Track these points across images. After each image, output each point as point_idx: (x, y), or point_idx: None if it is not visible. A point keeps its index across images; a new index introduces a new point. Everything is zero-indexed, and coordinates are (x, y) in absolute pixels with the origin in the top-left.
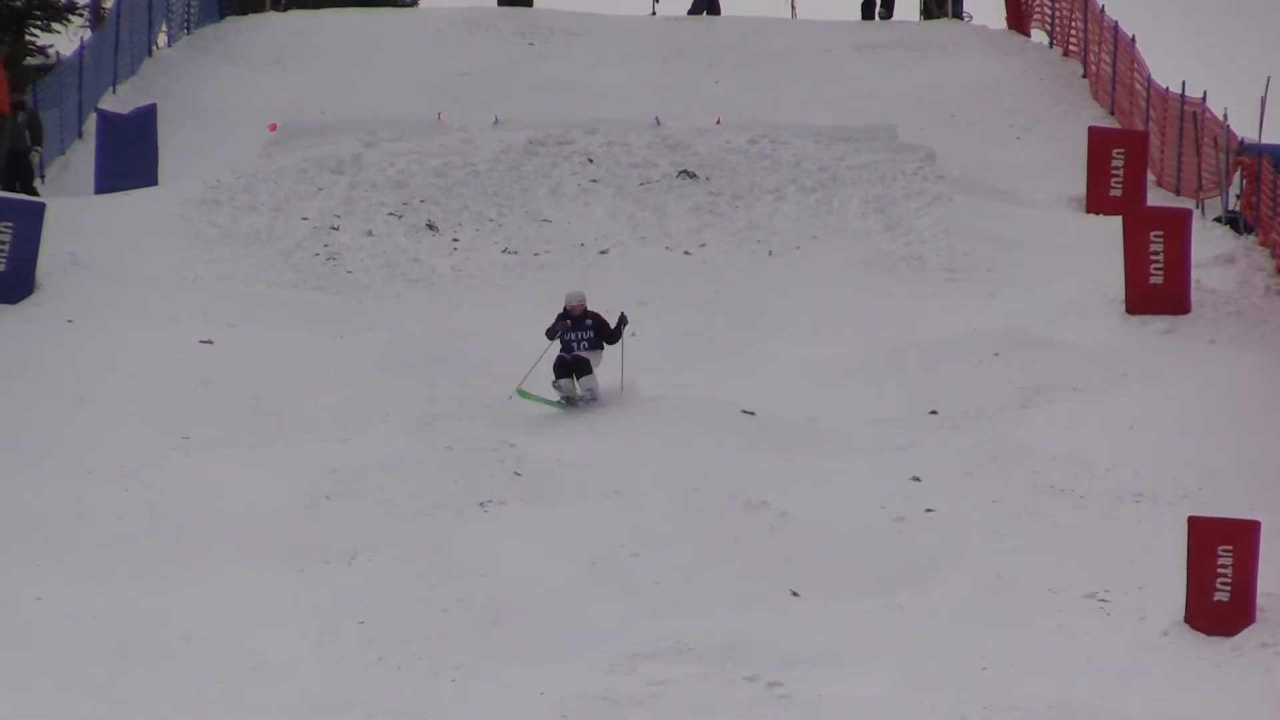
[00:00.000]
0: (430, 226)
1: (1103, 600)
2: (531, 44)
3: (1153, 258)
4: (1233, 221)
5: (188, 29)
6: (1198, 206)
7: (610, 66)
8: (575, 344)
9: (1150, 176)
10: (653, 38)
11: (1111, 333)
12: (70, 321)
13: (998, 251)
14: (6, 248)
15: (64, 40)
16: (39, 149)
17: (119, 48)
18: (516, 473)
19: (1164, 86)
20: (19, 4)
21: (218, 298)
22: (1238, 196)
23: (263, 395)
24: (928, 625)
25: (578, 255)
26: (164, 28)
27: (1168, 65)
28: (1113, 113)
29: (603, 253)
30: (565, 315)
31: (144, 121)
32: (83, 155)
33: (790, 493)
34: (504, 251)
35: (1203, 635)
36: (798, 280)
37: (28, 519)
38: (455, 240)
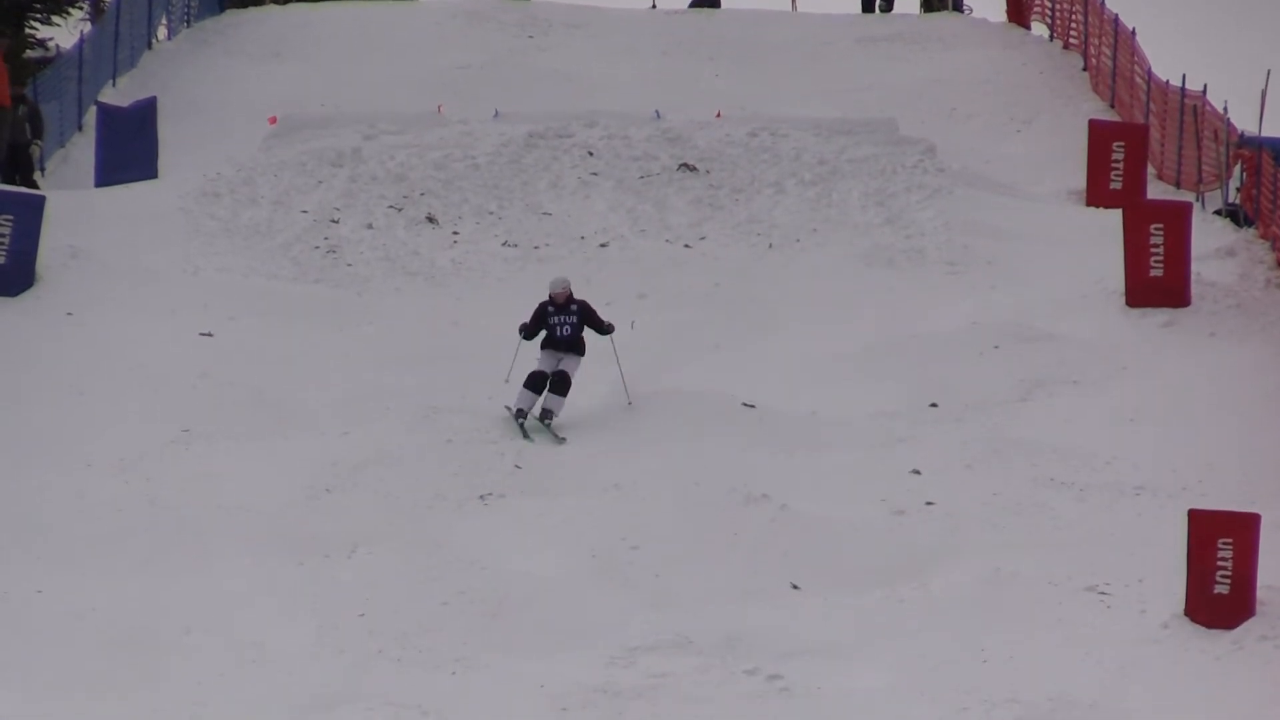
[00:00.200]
0: (430, 219)
1: (1103, 593)
2: (531, 37)
3: (1153, 251)
4: (1233, 214)
5: (187, 22)
6: (1198, 199)
7: (610, 59)
8: (559, 328)
9: (1150, 169)
10: (653, 31)
11: (1112, 326)
12: (70, 314)
13: (998, 244)
14: (6, 240)
15: (64, 33)
16: (39, 142)
17: (119, 41)
18: (516, 466)
19: (1164, 79)
20: None
21: (218, 291)
22: (1238, 189)
23: (263, 388)
24: (928, 618)
25: (578, 248)
26: (164, 21)
27: (1168, 58)
28: (1113, 106)
29: (603, 246)
30: (549, 302)
31: (144, 114)
32: (82, 148)
33: (790, 486)
34: (504, 244)
35: (1203, 628)
36: (798, 273)
37: (27, 512)
38: (455, 233)
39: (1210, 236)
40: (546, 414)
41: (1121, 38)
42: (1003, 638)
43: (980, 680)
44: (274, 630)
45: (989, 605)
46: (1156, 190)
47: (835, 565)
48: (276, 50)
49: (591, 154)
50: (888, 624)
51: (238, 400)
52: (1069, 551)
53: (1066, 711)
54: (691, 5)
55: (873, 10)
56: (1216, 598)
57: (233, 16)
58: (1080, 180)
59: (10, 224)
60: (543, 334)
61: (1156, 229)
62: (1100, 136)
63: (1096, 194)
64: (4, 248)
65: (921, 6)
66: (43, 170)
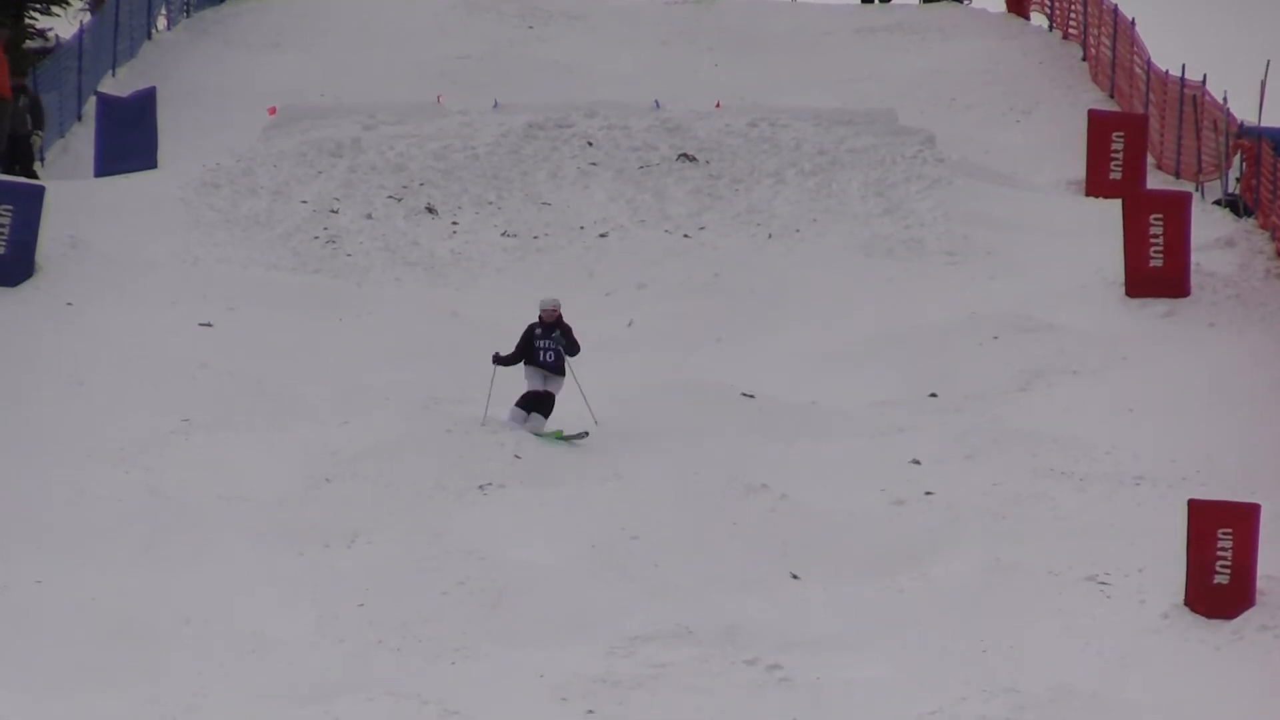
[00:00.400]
0: (430, 210)
1: (1103, 583)
2: (531, 27)
3: (1152, 241)
4: (1232, 204)
5: (187, 12)
6: (1197, 189)
7: (610, 50)
8: (543, 353)
9: (1150, 159)
10: (652, 21)
11: (1111, 316)
12: (70, 304)
13: (997, 235)
14: (6, 231)
15: (63, 23)
16: (40, 133)
17: (118, 31)
18: (516, 456)
19: (1164, 70)
20: None
21: (217, 281)
22: (1237, 179)
23: (262, 378)
24: (927, 608)
25: (577, 238)
26: (163, 11)
27: (1167, 48)
28: (1112, 96)
29: (602, 236)
30: (538, 323)
31: (143, 105)
32: (82, 138)
33: (790, 476)
34: (503, 234)
35: (1203, 618)
36: (797, 263)
37: (27, 503)
38: (455, 223)
39: (1210, 227)
40: (533, 430)
41: (1121, 28)
42: (1002, 628)
43: (980, 670)
44: (274, 620)
45: (989, 595)
46: (1156, 180)
47: (835, 555)
48: (276, 41)
49: (591, 144)
50: (887, 614)
51: (238, 390)
52: (1069, 541)
53: (1066, 701)
54: None
55: (872, 1)
56: (1216, 588)
57: (232, 7)
58: (1080, 170)
59: (10, 214)
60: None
61: (1156, 219)
62: (1100, 127)
63: (1096, 184)
64: (4, 238)
65: None
66: (42, 160)
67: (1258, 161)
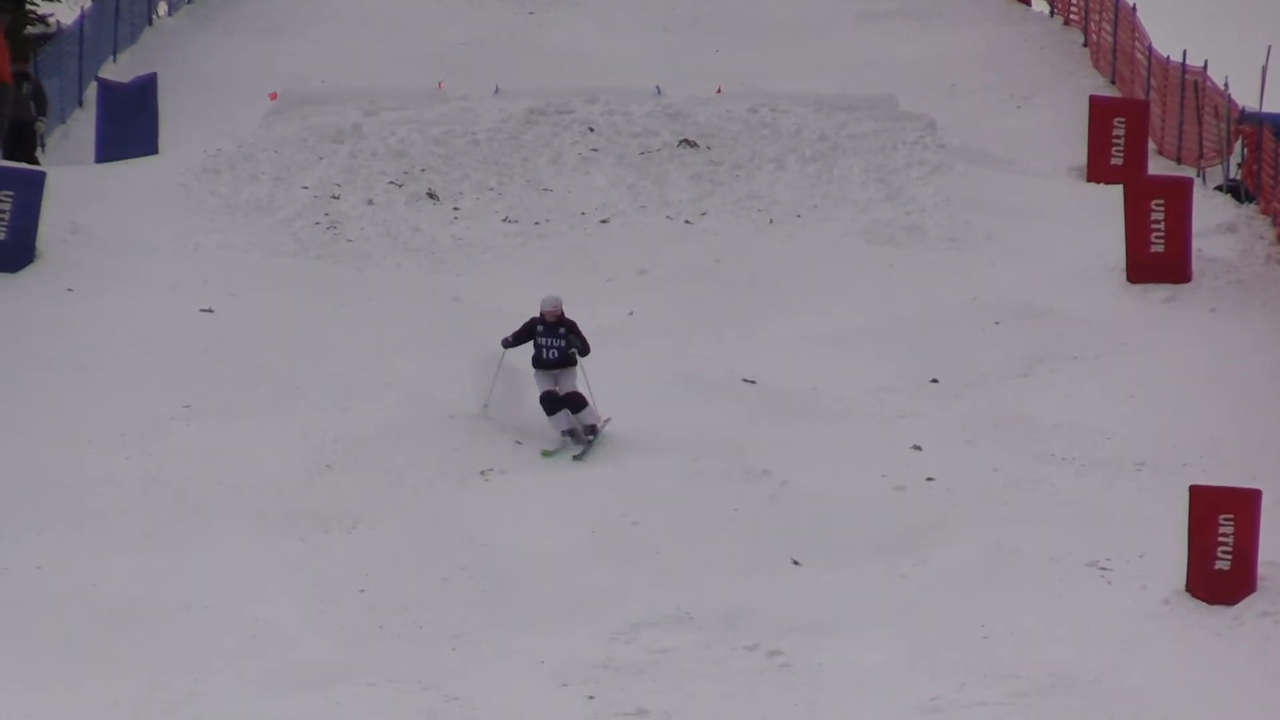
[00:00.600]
0: (431, 195)
1: (1103, 569)
2: (532, 13)
3: (1154, 226)
4: (1234, 190)
5: None
6: (1199, 175)
7: (611, 35)
8: (546, 350)
9: (1151, 145)
10: (653, 7)
11: (1112, 302)
12: (70, 290)
13: (998, 220)
14: (7, 217)
15: (64, 9)
16: (44, 119)
17: (119, 17)
18: (517, 441)
19: (1165, 55)
20: None
21: (218, 267)
22: (1239, 165)
23: (263, 364)
24: (928, 594)
25: (578, 224)
26: None
27: (1169, 34)
28: (1113, 81)
29: (603, 222)
30: (540, 320)
31: (144, 90)
32: (83, 124)
33: (791, 462)
34: (504, 220)
35: (1204, 604)
36: (798, 249)
37: (28, 488)
38: (456, 209)
39: (1211, 212)
40: (590, 430)
41: (1122, 13)
42: (1003, 613)
43: (981, 656)
44: (274, 606)
45: (989, 581)
46: (1157, 166)
47: (836, 541)
48: (277, 26)
49: (592, 130)
50: (888, 600)
51: (238, 376)
52: (1070, 527)
53: (1067, 687)
54: None
55: None
56: (1217, 574)
57: None
58: (1081, 156)
59: (10, 200)
60: (528, 346)
61: (1157, 205)
62: (1101, 112)
63: (1097, 170)
64: (4, 224)
65: None
66: (43, 146)
67: (1259, 147)
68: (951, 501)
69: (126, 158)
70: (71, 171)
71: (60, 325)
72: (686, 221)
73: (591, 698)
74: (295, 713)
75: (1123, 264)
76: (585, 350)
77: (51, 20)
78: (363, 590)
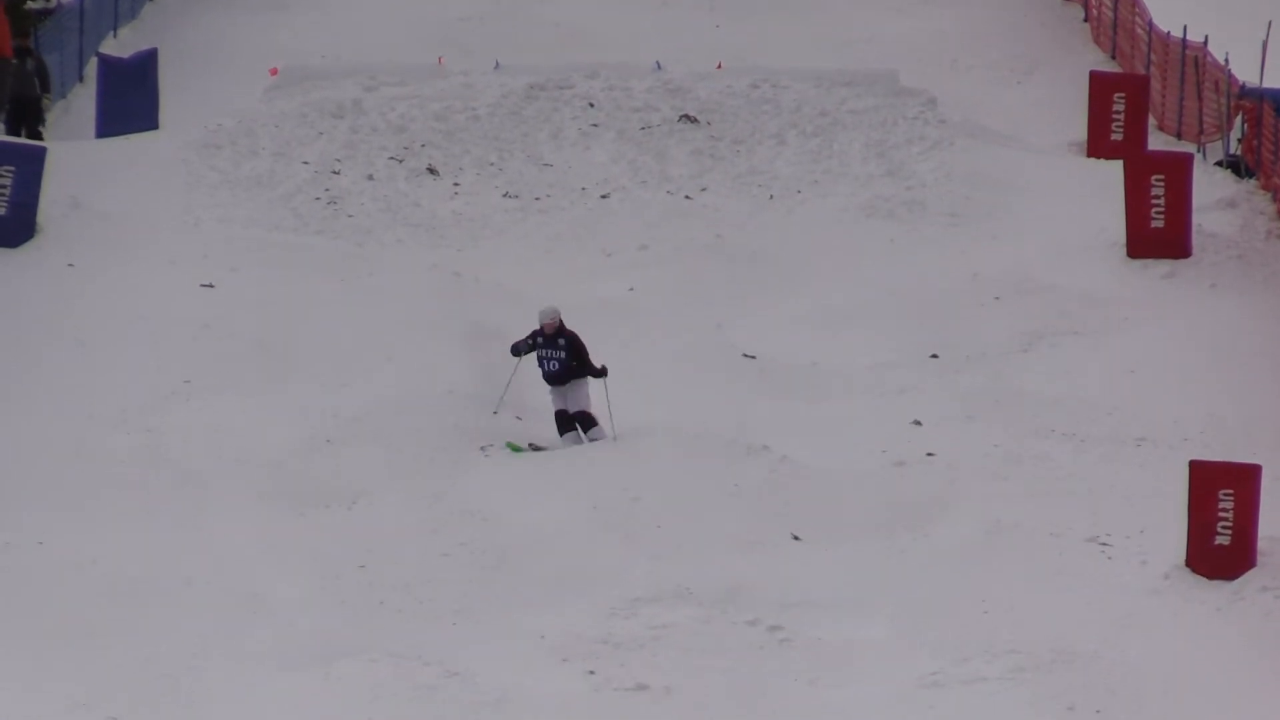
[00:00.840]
0: (431, 171)
1: (1104, 544)
2: None
3: (1154, 202)
4: (1234, 166)
5: None
6: (1199, 151)
7: (612, 10)
8: (546, 362)
9: (1151, 121)
10: None
11: (1112, 277)
12: (71, 266)
13: (999, 196)
14: (7, 192)
15: None
16: (48, 96)
17: None
18: (517, 417)
19: (1165, 31)
20: None
21: (218, 242)
22: (1239, 141)
23: (264, 339)
24: (928, 569)
25: (579, 199)
26: None
27: (1169, 9)
28: (1114, 57)
29: (604, 197)
30: (539, 332)
31: (145, 66)
32: (83, 99)
33: (791, 437)
34: (505, 196)
35: (1204, 579)
36: (798, 225)
37: (29, 463)
38: (456, 184)
39: (1211, 188)
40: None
41: None
42: (1003, 589)
43: (981, 631)
44: (275, 581)
45: (989, 556)
46: (1157, 141)
47: (836, 516)
48: (278, 2)
49: (592, 105)
50: (888, 575)
51: (239, 351)
52: (1070, 502)
53: (1067, 662)
54: None
55: None
56: (1217, 549)
57: None
58: (1081, 131)
59: (11, 175)
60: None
61: (1157, 180)
62: (1101, 88)
63: (1097, 145)
64: (5, 199)
65: None
66: (44, 122)
67: (1259, 123)
68: (951, 477)
69: (127, 133)
70: (72, 147)
71: (60, 301)
72: (687, 197)
73: (592, 673)
74: (295, 688)
75: (1123, 239)
76: (598, 373)
77: None
78: (363, 566)
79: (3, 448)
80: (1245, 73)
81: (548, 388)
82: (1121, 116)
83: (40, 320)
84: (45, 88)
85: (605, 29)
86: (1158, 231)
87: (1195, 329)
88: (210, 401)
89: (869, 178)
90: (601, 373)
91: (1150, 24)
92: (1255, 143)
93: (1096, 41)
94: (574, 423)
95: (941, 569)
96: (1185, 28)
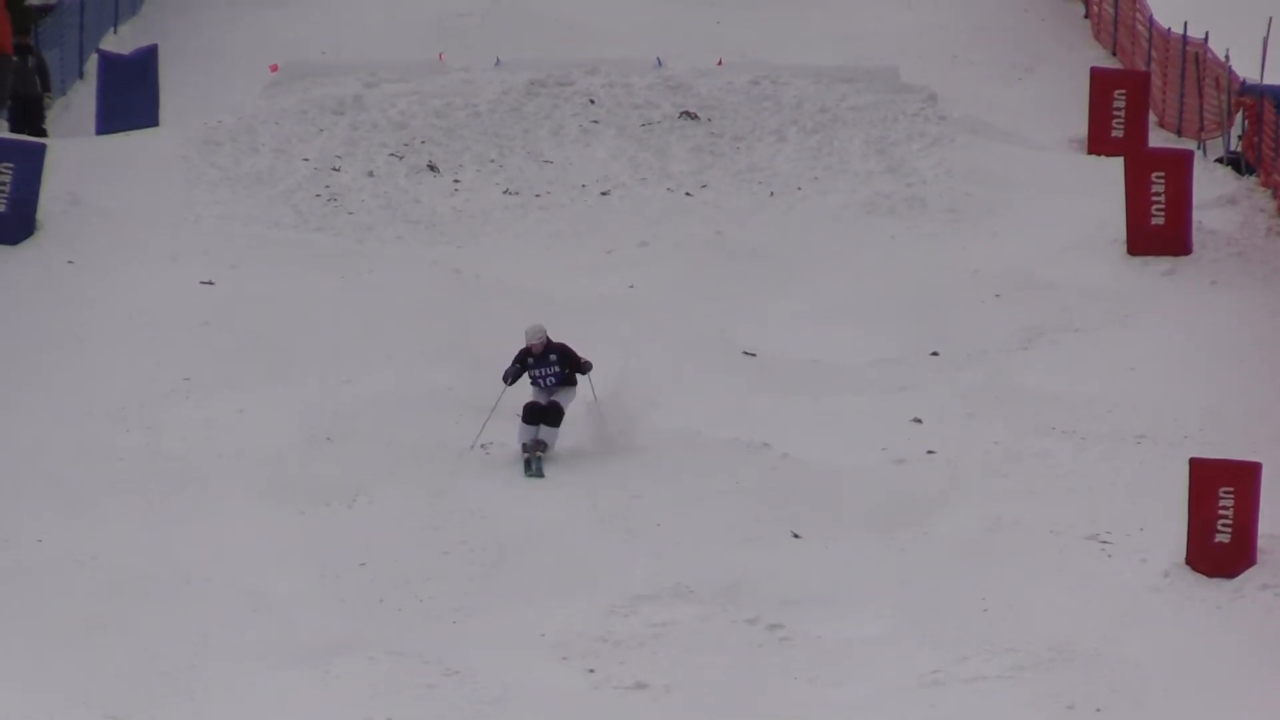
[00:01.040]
0: (431, 167)
1: (1104, 542)
2: None
3: (1154, 199)
4: (1234, 162)
5: None
6: (1199, 147)
7: (612, 6)
8: (542, 380)
9: (1152, 117)
10: None
11: (1113, 274)
12: (71, 262)
13: (999, 192)
14: (7, 189)
15: None
16: (50, 94)
17: None
18: (517, 414)
19: (1166, 27)
20: None
21: (218, 239)
22: (1239, 137)
23: (264, 336)
24: (928, 566)
25: (579, 196)
26: None
27: (1170, 6)
28: (1114, 53)
29: (604, 194)
30: (528, 352)
31: (145, 62)
32: (84, 96)
33: (791, 434)
34: (505, 192)
35: (1204, 577)
36: (799, 221)
37: (29, 460)
38: (456, 181)
39: (1212, 185)
40: (540, 444)
41: None
42: (1003, 586)
43: (981, 628)
44: (275, 579)
45: (989, 554)
46: (1158, 138)
47: (836, 514)
48: None
49: (593, 102)
50: (888, 572)
51: (239, 348)
52: (1070, 500)
53: (1067, 660)
54: None
55: None
56: (1217, 546)
57: None
58: (1082, 128)
59: (10, 172)
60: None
61: (1158, 177)
62: (1102, 84)
63: (1098, 142)
64: (4, 196)
65: None
66: (45, 119)
67: (1259, 119)
68: (952, 474)
69: (127, 130)
70: (72, 143)
71: (60, 298)
72: (687, 194)
73: (592, 671)
74: (295, 686)
75: (1123, 236)
76: (584, 368)
77: None
78: (363, 563)
79: (2, 445)
80: (1246, 69)
81: (532, 390)
82: (1122, 113)
83: (40, 317)
84: (45, 85)
85: (606, 25)
86: (1158, 228)
87: (1195, 326)
88: (210, 398)
89: (869, 174)
90: (587, 367)
91: (1151, 20)
92: (1256, 140)
93: (1097, 38)
94: (541, 417)
95: (941, 567)
96: (1186, 24)
